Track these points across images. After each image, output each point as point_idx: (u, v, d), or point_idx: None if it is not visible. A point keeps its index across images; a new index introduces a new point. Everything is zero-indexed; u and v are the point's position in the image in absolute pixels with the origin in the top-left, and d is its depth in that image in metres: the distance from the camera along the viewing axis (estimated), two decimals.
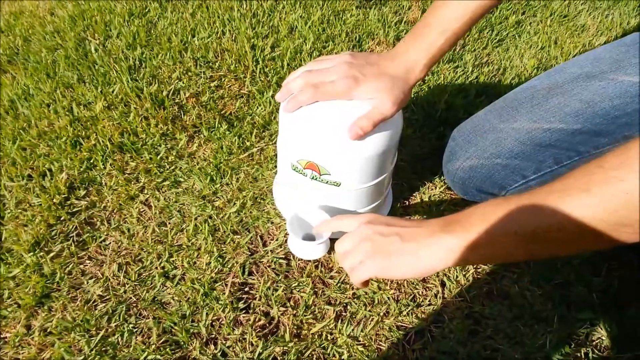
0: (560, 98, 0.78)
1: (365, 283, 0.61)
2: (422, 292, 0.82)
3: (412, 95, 1.16)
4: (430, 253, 0.55)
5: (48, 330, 0.73)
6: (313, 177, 0.74)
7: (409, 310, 0.79)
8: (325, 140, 0.69)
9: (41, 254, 0.81)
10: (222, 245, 0.84)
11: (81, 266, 0.80)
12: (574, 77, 0.79)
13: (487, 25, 1.42)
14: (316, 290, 0.80)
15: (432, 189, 0.97)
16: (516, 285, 0.83)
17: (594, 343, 0.78)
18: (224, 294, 0.78)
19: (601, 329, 0.79)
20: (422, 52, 0.70)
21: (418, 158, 1.02)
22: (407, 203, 0.95)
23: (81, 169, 0.93)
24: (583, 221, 0.46)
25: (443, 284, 0.83)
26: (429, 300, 0.81)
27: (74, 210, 0.87)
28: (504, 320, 0.79)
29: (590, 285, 0.84)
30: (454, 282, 0.83)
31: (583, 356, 0.77)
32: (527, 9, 1.54)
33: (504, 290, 0.83)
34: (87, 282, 0.78)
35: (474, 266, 0.85)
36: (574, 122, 0.76)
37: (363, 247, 0.58)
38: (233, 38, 1.25)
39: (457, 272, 0.84)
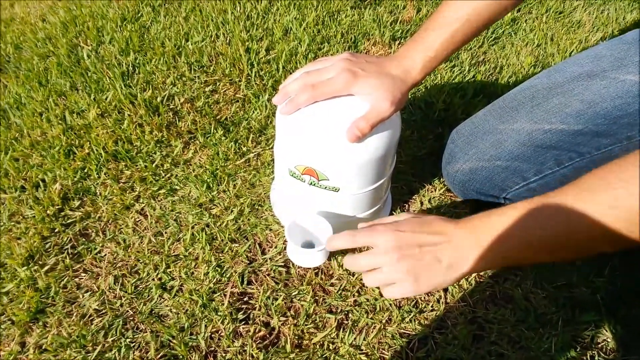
0: (561, 98, 0.77)
1: None
2: (424, 298, 0.81)
3: (410, 96, 1.14)
4: (464, 264, 0.57)
5: (43, 347, 0.71)
6: (311, 183, 0.73)
7: (412, 317, 0.78)
8: (324, 145, 0.68)
9: (35, 267, 0.79)
10: (220, 255, 0.83)
11: (76, 279, 0.79)
12: (575, 76, 0.78)
13: None
14: (317, 298, 0.79)
15: (431, 192, 0.95)
16: (519, 288, 0.82)
17: (600, 345, 0.77)
18: (223, 304, 0.76)
19: (606, 330, 0.78)
20: (420, 53, 0.69)
21: (417, 160, 1.01)
22: (406, 206, 0.93)
23: (75, 179, 0.91)
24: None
25: (445, 289, 0.82)
26: (432, 306, 0.80)
27: (68, 221, 0.86)
28: (507, 325, 0.78)
29: (594, 286, 0.83)
30: (457, 286, 0.82)
31: (589, 359, 0.76)
32: (522, 6, 1.52)
33: (507, 293, 0.82)
34: (83, 296, 0.77)
35: None
36: (575, 123, 0.75)
37: (400, 268, 0.58)
38: (227, 41, 1.24)
39: None
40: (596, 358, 0.76)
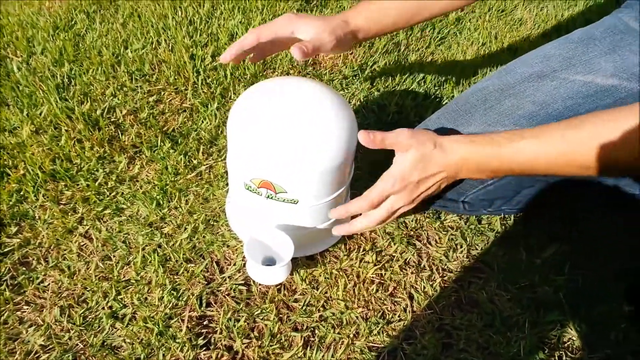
0: (513, 100, 0.77)
1: None
2: (390, 308, 0.79)
3: (362, 99, 1.13)
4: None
5: None
6: (269, 196, 0.70)
7: (379, 329, 0.76)
8: (280, 157, 0.65)
9: None
10: (175, 277, 0.78)
11: (18, 313, 0.72)
12: (525, 77, 0.78)
13: (429, 24, 1.41)
14: (281, 316, 0.76)
15: None
16: (484, 292, 0.82)
17: (566, 345, 0.78)
18: (181, 330, 0.72)
19: (571, 329, 0.79)
20: (364, 2, 0.76)
21: (373, 165, 0.99)
22: None
23: (10, 203, 0.84)
24: None
25: (411, 297, 0.80)
26: (399, 316, 0.78)
27: (6, 250, 0.78)
28: (475, 330, 0.77)
29: (556, 285, 0.84)
30: (422, 293, 0.81)
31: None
32: (465, 6, 1.54)
33: (472, 297, 0.82)
34: (27, 331, 0.70)
35: (440, 275, 0.83)
36: (528, 125, 0.75)
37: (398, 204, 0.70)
38: (170, 48, 1.18)
39: (424, 282, 0.82)
40: (563, 358, 0.76)
